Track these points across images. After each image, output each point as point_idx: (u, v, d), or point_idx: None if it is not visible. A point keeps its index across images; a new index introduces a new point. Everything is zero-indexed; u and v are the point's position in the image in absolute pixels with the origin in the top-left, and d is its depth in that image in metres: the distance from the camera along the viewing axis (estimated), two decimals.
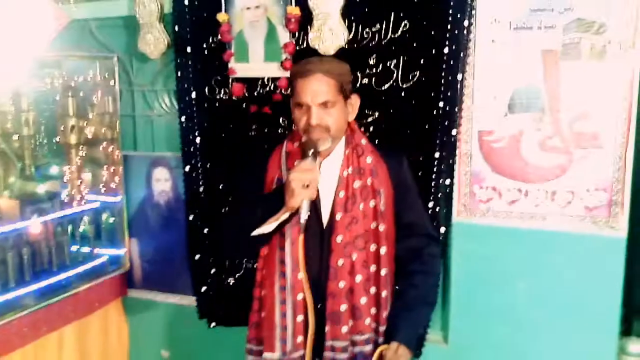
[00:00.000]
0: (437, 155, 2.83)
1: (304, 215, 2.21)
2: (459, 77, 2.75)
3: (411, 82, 2.85)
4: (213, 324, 3.40)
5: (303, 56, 2.77)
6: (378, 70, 2.90)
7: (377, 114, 2.92)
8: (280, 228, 2.36)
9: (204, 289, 3.38)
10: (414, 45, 2.83)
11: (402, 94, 2.88)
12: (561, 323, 2.83)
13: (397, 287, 2.50)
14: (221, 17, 3.07)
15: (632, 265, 2.79)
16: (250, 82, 3.15)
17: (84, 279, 3.42)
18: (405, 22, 2.82)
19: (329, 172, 2.40)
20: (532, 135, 2.75)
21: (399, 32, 2.84)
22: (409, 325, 2.43)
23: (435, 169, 2.85)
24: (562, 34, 2.64)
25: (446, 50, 2.74)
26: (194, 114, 3.25)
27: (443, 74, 2.76)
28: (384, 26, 2.86)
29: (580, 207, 2.74)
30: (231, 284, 3.35)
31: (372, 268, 2.42)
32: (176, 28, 3.19)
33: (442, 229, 2.91)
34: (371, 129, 2.91)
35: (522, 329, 2.90)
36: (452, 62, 2.75)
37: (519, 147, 2.78)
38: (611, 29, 2.57)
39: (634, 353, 2.78)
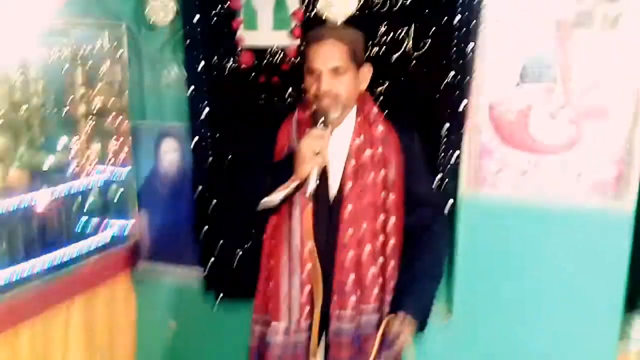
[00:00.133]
0: (446, 126, 2.82)
1: (313, 183, 2.19)
2: (470, 46, 2.73)
3: (421, 51, 2.83)
4: (221, 295, 3.40)
5: (312, 24, 2.76)
6: (388, 39, 2.87)
7: (387, 82, 2.89)
8: (289, 197, 2.34)
9: (212, 260, 3.38)
10: (425, 12, 2.80)
11: (412, 63, 2.86)
12: (567, 297, 2.83)
13: (404, 259, 2.49)
14: None
15: (638, 241, 2.77)
16: (259, 52, 3.13)
17: (92, 252, 3.41)
18: None
19: (339, 141, 2.39)
20: (542, 107, 2.73)
21: (410, 0, 2.81)
22: (416, 297, 2.43)
23: (444, 140, 2.83)
24: (576, 3, 2.60)
25: (457, 19, 2.71)
26: (203, 83, 3.23)
27: (454, 43, 2.74)
28: None
29: (588, 181, 2.72)
30: (240, 255, 3.33)
31: (381, 238, 2.42)
32: None
33: (450, 202, 2.88)
34: (382, 97, 2.87)
35: (528, 302, 2.90)
36: (462, 31, 2.72)
37: (529, 119, 2.75)
38: None
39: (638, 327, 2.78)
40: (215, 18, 3.15)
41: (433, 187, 2.68)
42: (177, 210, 3.55)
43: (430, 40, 2.81)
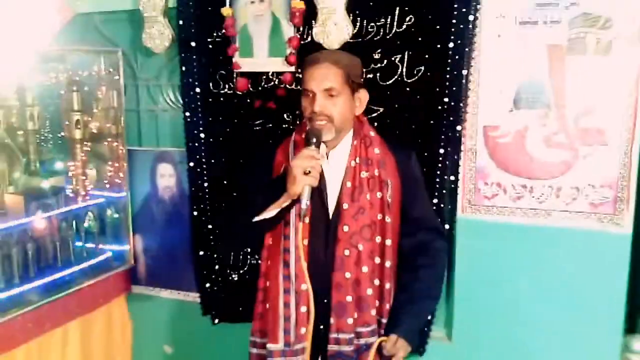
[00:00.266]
0: (441, 150, 2.82)
1: (305, 202, 2.21)
2: (464, 72, 2.74)
3: (416, 77, 2.84)
4: (217, 320, 3.38)
5: (307, 51, 2.78)
6: (383, 65, 2.89)
7: (381, 109, 2.90)
8: (282, 215, 2.36)
9: (208, 285, 3.37)
10: (419, 39, 2.81)
11: (407, 89, 2.87)
12: (565, 320, 2.82)
13: (401, 280, 2.50)
14: (225, 11, 3.07)
15: (637, 262, 2.77)
16: (254, 77, 3.14)
17: (88, 275, 3.41)
18: (410, 16, 2.81)
19: (336, 162, 2.43)
20: (537, 131, 2.74)
21: (404, 27, 2.83)
22: (411, 319, 2.44)
23: (439, 165, 2.84)
24: (568, 29, 2.62)
25: (451, 45, 2.73)
26: (199, 109, 3.23)
27: (448, 69, 2.75)
28: (388, 20, 2.85)
29: (585, 204, 2.72)
30: (235, 279, 3.33)
31: (377, 260, 2.43)
32: (180, 22, 3.18)
33: (447, 225, 2.88)
34: (376, 124, 2.88)
35: (526, 325, 2.88)
36: (457, 57, 2.74)
37: (524, 143, 2.77)
38: (617, 24, 2.56)
39: (638, 350, 2.77)
40: (211, 45, 3.17)
41: (431, 209, 2.68)
42: (173, 235, 3.55)
43: (424, 67, 2.82)
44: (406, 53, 2.85)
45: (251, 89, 3.15)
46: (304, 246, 2.39)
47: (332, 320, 2.39)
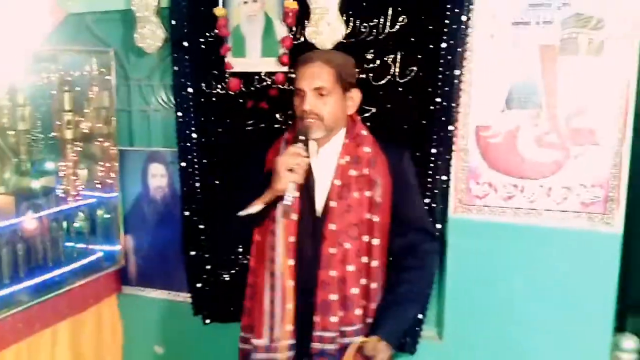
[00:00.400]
0: (433, 150, 2.83)
1: (288, 200, 2.24)
2: (457, 72, 2.76)
3: (408, 77, 2.85)
4: (208, 320, 3.38)
5: (300, 51, 2.78)
6: (375, 65, 2.90)
7: (374, 108, 2.91)
8: (269, 211, 2.39)
9: (199, 285, 3.37)
10: (412, 40, 2.83)
11: (400, 89, 2.88)
12: (556, 319, 2.83)
13: (389, 281, 2.50)
14: (218, 11, 3.07)
15: (626, 262, 2.79)
16: (247, 77, 3.14)
17: (78, 275, 3.40)
18: (403, 16, 2.82)
19: (326, 160, 2.44)
20: (528, 131, 2.75)
21: (397, 27, 2.84)
22: (394, 321, 2.43)
23: (431, 165, 2.84)
24: (560, 29, 2.64)
25: (444, 45, 2.74)
26: (191, 109, 3.23)
27: (440, 69, 2.76)
28: (381, 21, 2.86)
29: (576, 203, 2.74)
30: (226, 280, 3.33)
31: (364, 259, 2.43)
32: (173, 22, 3.18)
33: (438, 225, 2.89)
34: (368, 123, 2.89)
35: (517, 324, 2.89)
36: (449, 57, 2.75)
37: (516, 143, 2.78)
38: (609, 24, 2.58)
39: (628, 349, 2.78)
40: (203, 45, 3.17)
41: (424, 211, 2.66)
42: (164, 235, 3.55)
43: (416, 67, 2.83)
44: (399, 53, 2.86)
45: (243, 89, 3.15)
46: (291, 243, 2.41)
47: (316, 318, 2.40)
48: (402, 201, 2.49)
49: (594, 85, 2.64)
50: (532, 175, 2.78)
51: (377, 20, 2.86)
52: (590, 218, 2.73)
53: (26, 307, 3.02)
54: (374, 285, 2.44)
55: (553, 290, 2.82)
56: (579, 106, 2.67)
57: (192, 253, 3.35)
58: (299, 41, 3.02)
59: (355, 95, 2.45)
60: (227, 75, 3.16)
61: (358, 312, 2.41)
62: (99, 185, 3.60)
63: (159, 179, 3.52)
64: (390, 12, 2.84)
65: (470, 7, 2.72)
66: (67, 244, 3.46)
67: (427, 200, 2.84)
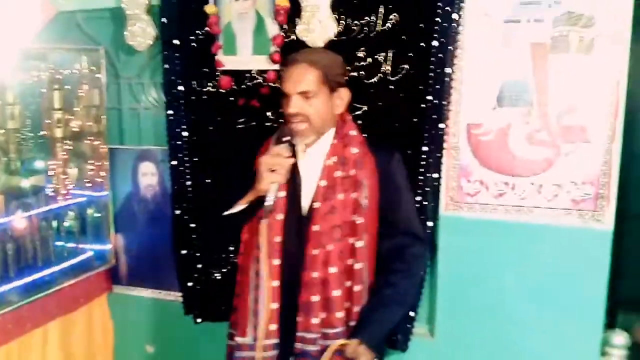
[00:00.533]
0: (424, 148, 2.82)
1: (269, 199, 2.26)
2: (448, 70, 2.75)
3: (400, 75, 2.85)
4: (199, 319, 3.37)
5: (292, 49, 2.78)
6: (367, 63, 2.90)
7: (365, 107, 2.91)
8: (254, 210, 2.39)
9: (190, 284, 3.36)
10: (403, 38, 2.82)
11: (391, 87, 2.88)
12: (547, 315, 2.84)
13: (375, 283, 2.50)
14: (209, 8, 3.07)
15: (616, 259, 2.80)
16: (238, 75, 3.14)
17: (68, 275, 3.40)
18: (395, 14, 2.82)
19: (313, 160, 2.44)
20: (520, 129, 2.76)
21: (388, 25, 2.84)
22: (376, 325, 2.42)
23: (422, 163, 2.84)
24: (551, 27, 2.65)
25: (435, 43, 2.74)
26: (181, 107, 3.22)
27: (432, 67, 2.76)
28: (373, 19, 2.86)
29: (566, 201, 2.75)
30: (217, 279, 3.32)
31: (349, 261, 2.42)
32: (163, 20, 3.17)
33: (430, 223, 2.89)
34: (360, 122, 2.89)
35: (509, 321, 2.90)
36: (440, 55, 2.74)
37: (507, 141, 2.79)
38: (600, 22, 2.58)
39: (618, 345, 2.80)
40: (194, 42, 3.16)
41: (413, 214, 2.62)
42: (155, 234, 3.54)
43: (408, 65, 2.83)
44: (390, 51, 2.86)
45: (234, 87, 3.14)
46: (277, 243, 2.41)
47: (299, 319, 2.40)
48: (389, 203, 2.49)
49: (584, 83, 2.64)
50: (523, 172, 2.79)
51: (368, 18, 2.86)
52: (581, 215, 2.74)
53: (16, 307, 3.01)
54: (357, 288, 2.43)
55: (544, 287, 2.82)
56: (569, 104, 2.67)
57: (183, 252, 3.33)
58: (291, 39, 3.01)
59: (344, 95, 2.45)
60: (218, 73, 3.15)
61: (340, 314, 2.39)
62: (89, 184, 3.58)
63: (150, 177, 3.52)
64: (381, 10, 2.84)
65: (462, 5, 2.72)
66: (57, 243, 3.44)
67: (418, 198, 2.83)
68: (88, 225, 3.61)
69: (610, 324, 2.90)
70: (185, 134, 3.23)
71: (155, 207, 3.54)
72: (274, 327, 2.40)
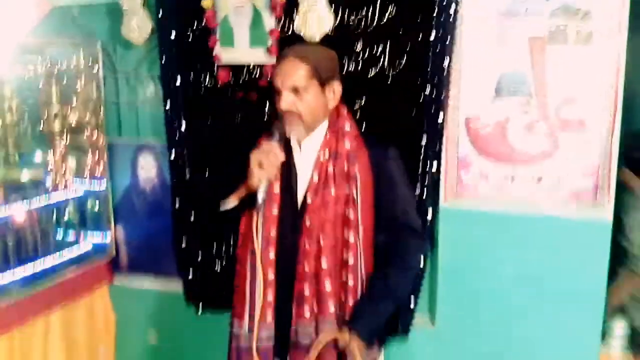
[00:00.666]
0: (424, 141, 2.83)
1: (260, 195, 2.27)
2: (446, 63, 2.75)
3: (398, 69, 2.84)
4: (200, 309, 3.39)
5: (289, 43, 2.77)
6: (364, 57, 2.89)
7: (363, 100, 2.91)
8: (248, 204, 2.38)
9: (191, 274, 3.37)
10: (401, 31, 2.82)
11: (389, 81, 2.87)
12: (547, 306, 2.86)
13: (371, 277, 2.47)
14: (206, 2, 3.04)
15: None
16: (235, 69, 3.13)
17: (69, 266, 3.41)
18: (392, 8, 2.81)
19: (307, 154, 2.43)
20: (518, 121, 2.77)
21: (386, 18, 2.83)
22: (368, 317, 2.40)
23: (422, 155, 2.84)
24: (549, 20, 2.64)
25: (433, 36, 2.74)
26: (179, 100, 3.21)
27: (430, 60, 2.76)
28: (370, 12, 2.84)
29: (566, 192, 2.76)
30: (218, 269, 3.34)
31: (344, 255, 2.41)
32: (160, 13, 3.15)
33: (430, 215, 2.90)
34: (357, 115, 2.89)
35: (509, 312, 2.93)
36: (438, 48, 2.74)
37: (506, 133, 2.79)
38: (597, 15, 2.58)
39: (618, 335, 2.82)
40: (191, 35, 3.15)
41: (410, 208, 2.55)
42: (155, 225, 3.56)
43: (406, 57, 2.83)
44: (388, 44, 2.85)
45: (232, 80, 3.13)
46: (272, 237, 2.41)
47: (294, 310, 2.40)
48: (385, 197, 2.45)
49: (583, 75, 2.65)
50: (523, 164, 2.80)
51: (365, 12, 2.85)
52: (580, 206, 2.75)
53: (17, 297, 3.03)
54: (351, 282, 2.41)
55: (544, 277, 2.84)
56: (568, 96, 2.68)
57: (183, 243, 3.34)
58: (287, 33, 3.00)
59: (336, 89, 2.42)
60: (215, 67, 3.14)
61: (332, 307, 2.38)
62: (87, 177, 3.59)
63: (148, 170, 3.52)
64: (378, 3, 2.83)
65: None
66: (58, 235, 3.46)
67: (417, 191, 2.84)
68: (88, 218, 3.62)
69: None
70: (183, 127, 3.23)
71: (155, 199, 3.55)
72: (270, 318, 2.41)
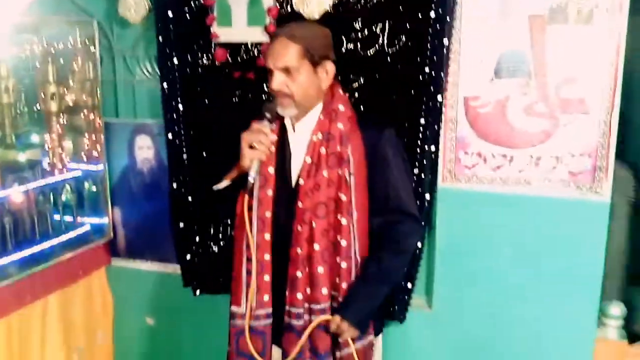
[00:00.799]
0: (422, 121, 2.80)
1: (251, 175, 2.29)
2: (445, 41, 2.72)
3: (397, 47, 2.82)
4: (198, 291, 3.38)
5: (287, 20, 2.75)
6: (364, 35, 2.86)
7: (362, 79, 2.89)
8: (242, 185, 2.38)
9: (188, 256, 3.35)
10: (400, 9, 2.79)
11: (388, 59, 2.85)
12: (544, 287, 2.86)
13: (364, 260, 2.47)
14: None
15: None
16: (233, 48, 3.10)
17: (67, 248, 3.40)
18: None
19: (301, 135, 2.43)
20: (518, 101, 2.75)
21: None
22: (359, 301, 2.41)
23: (420, 135, 2.82)
24: None
25: (432, 14, 2.70)
26: (176, 80, 3.18)
27: (429, 39, 2.73)
28: None
29: (564, 172, 2.75)
30: (216, 251, 3.33)
31: (337, 238, 2.40)
32: None
33: (427, 195, 2.89)
34: (356, 95, 2.87)
35: (506, 293, 2.92)
36: (438, 27, 2.71)
37: (505, 113, 2.78)
38: None
39: (615, 315, 2.82)
40: (188, 14, 3.12)
41: (405, 191, 2.52)
42: (153, 207, 3.54)
43: (405, 37, 2.80)
44: (387, 22, 2.82)
45: (230, 59, 3.11)
46: (267, 218, 2.42)
47: (287, 294, 2.42)
48: (379, 180, 2.44)
49: (583, 54, 2.63)
50: (521, 144, 2.79)
51: None
52: (579, 187, 2.74)
53: (15, 280, 3.01)
54: (344, 265, 2.40)
55: (541, 258, 2.84)
56: (568, 75, 2.66)
57: (181, 225, 3.32)
58: (286, 11, 2.97)
59: (329, 69, 2.39)
60: (213, 46, 3.12)
61: (325, 290, 2.39)
62: (85, 158, 3.57)
63: (146, 151, 3.51)
64: None
65: None
66: (55, 217, 3.44)
67: (416, 171, 2.83)
68: (85, 199, 3.60)
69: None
70: (180, 107, 3.20)
71: (152, 180, 3.54)
72: (267, 297, 2.44)
